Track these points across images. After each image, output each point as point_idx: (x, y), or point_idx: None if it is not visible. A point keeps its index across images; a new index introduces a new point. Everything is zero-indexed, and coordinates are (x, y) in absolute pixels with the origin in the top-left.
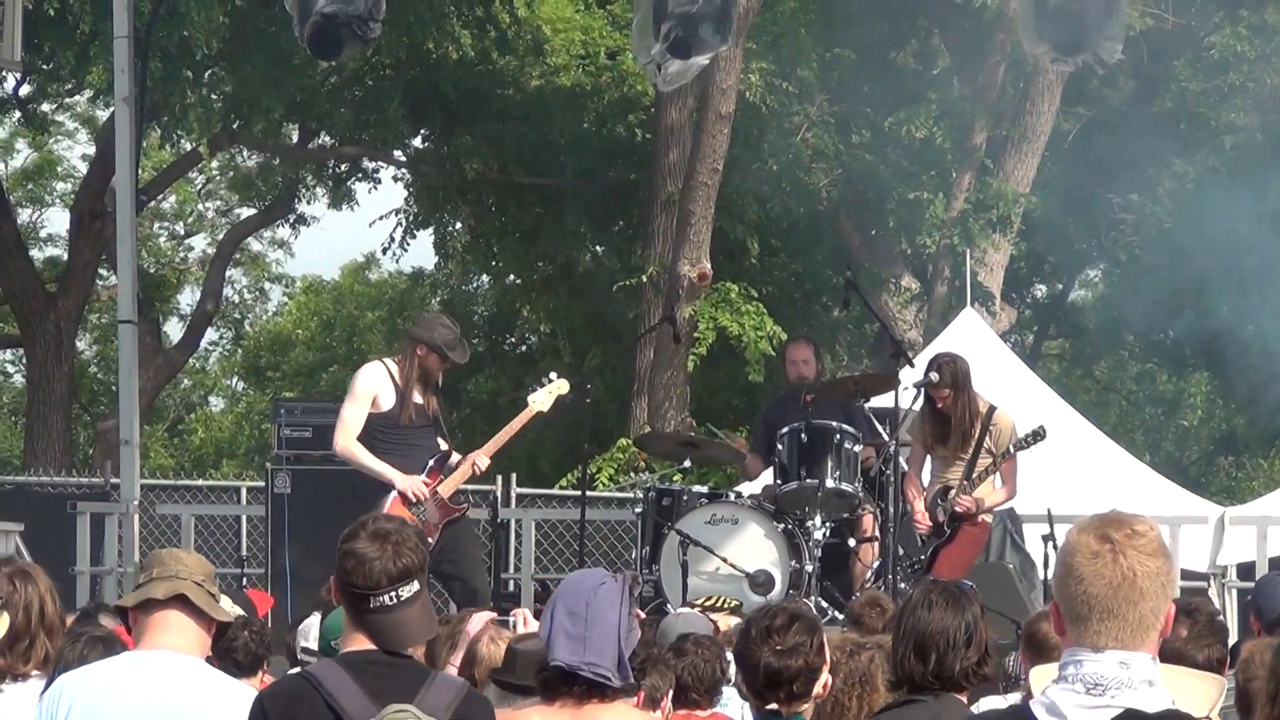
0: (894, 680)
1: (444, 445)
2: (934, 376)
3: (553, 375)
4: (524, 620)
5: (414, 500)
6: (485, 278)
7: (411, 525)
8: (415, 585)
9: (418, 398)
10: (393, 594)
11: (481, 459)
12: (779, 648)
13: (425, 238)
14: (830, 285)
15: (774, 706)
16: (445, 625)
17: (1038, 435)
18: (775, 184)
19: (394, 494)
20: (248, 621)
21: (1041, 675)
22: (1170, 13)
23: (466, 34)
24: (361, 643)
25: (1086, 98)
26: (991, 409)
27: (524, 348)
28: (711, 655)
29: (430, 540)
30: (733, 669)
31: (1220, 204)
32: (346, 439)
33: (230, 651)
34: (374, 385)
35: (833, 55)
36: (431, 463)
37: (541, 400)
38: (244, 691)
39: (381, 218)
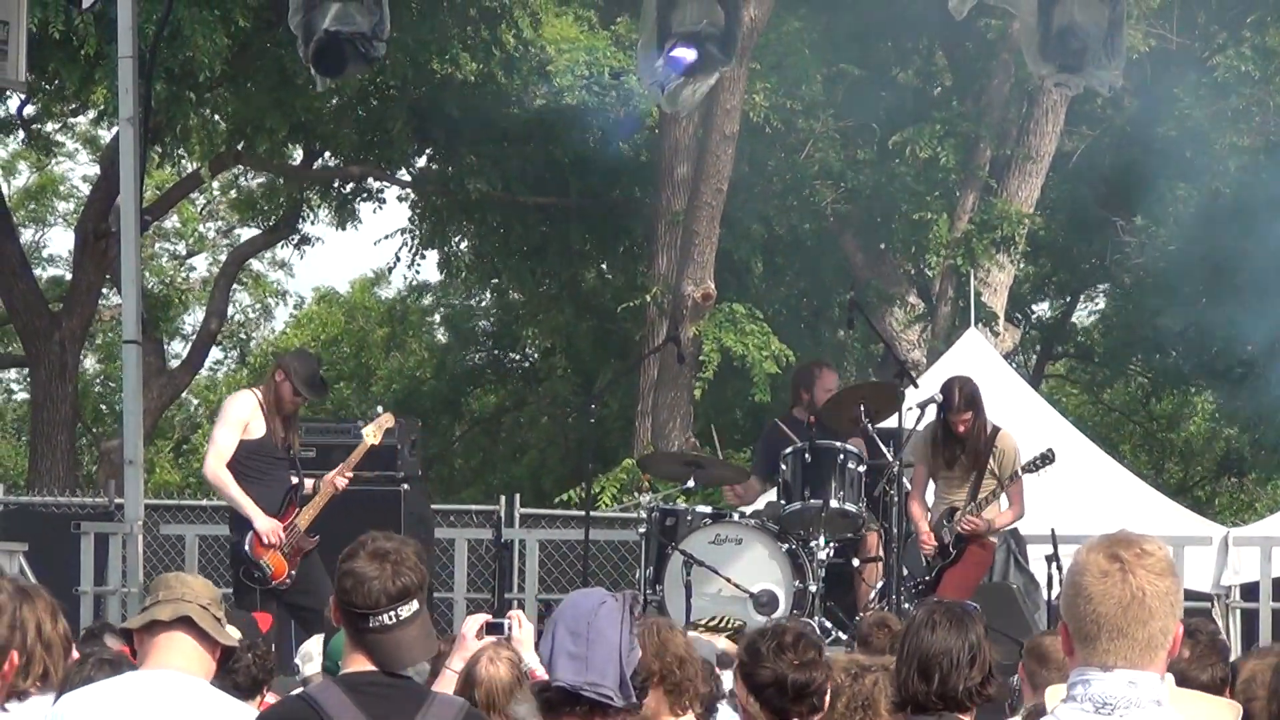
0: (898, 701)
1: (294, 479)
2: (955, 402)
3: (380, 409)
4: (519, 622)
5: (270, 543)
6: (489, 294)
7: (411, 543)
8: (415, 604)
9: (279, 428)
10: (392, 613)
11: (340, 479)
12: (800, 661)
13: (430, 255)
14: (835, 304)
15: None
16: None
17: (1046, 458)
18: (780, 202)
19: (250, 533)
20: (251, 644)
21: (1056, 695)
22: (1174, 34)
23: (468, 57)
24: (361, 663)
25: (1090, 118)
26: (995, 430)
27: (527, 364)
28: (706, 674)
29: (291, 574)
30: (726, 685)
31: (1223, 225)
32: (218, 465)
33: (231, 673)
34: (246, 413)
35: (837, 71)
36: (285, 501)
37: (371, 433)
38: (246, 713)
39: (386, 237)
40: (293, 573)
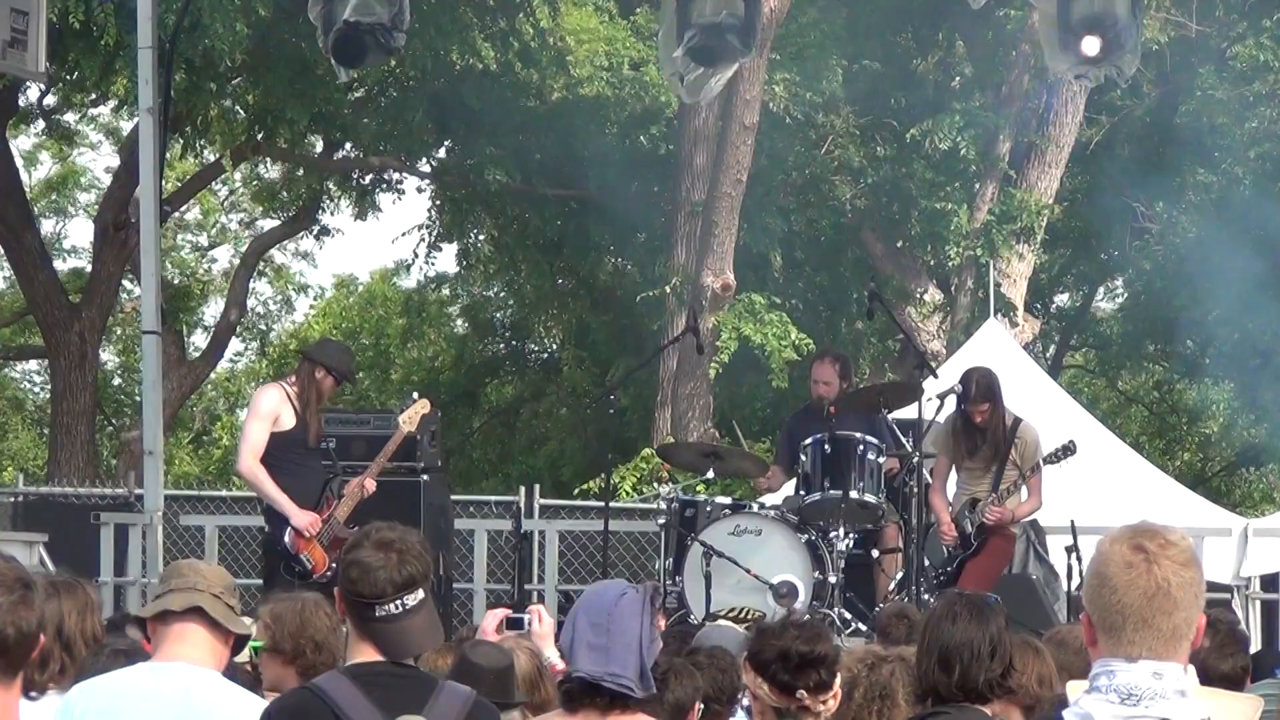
0: (919, 692)
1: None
2: (972, 392)
3: (415, 395)
4: (539, 617)
5: (309, 535)
6: (506, 286)
7: (415, 533)
8: (420, 593)
9: (314, 421)
10: (398, 602)
11: (369, 482)
12: (804, 635)
13: (448, 246)
14: (854, 299)
15: (801, 695)
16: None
17: (1068, 450)
18: (799, 197)
19: (290, 528)
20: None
21: (1077, 688)
22: (1193, 22)
23: (488, 48)
24: (368, 653)
25: (1109, 107)
26: (1017, 421)
27: (545, 354)
28: (727, 665)
29: (333, 566)
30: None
31: (1243, 213)
32: (252, 460)
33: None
34: (274, 405)
35: (860, 68)
36: (323, 492)
37: (407, 420)
38: (256, 704)
39: (404, 233)
40: (333, 565)
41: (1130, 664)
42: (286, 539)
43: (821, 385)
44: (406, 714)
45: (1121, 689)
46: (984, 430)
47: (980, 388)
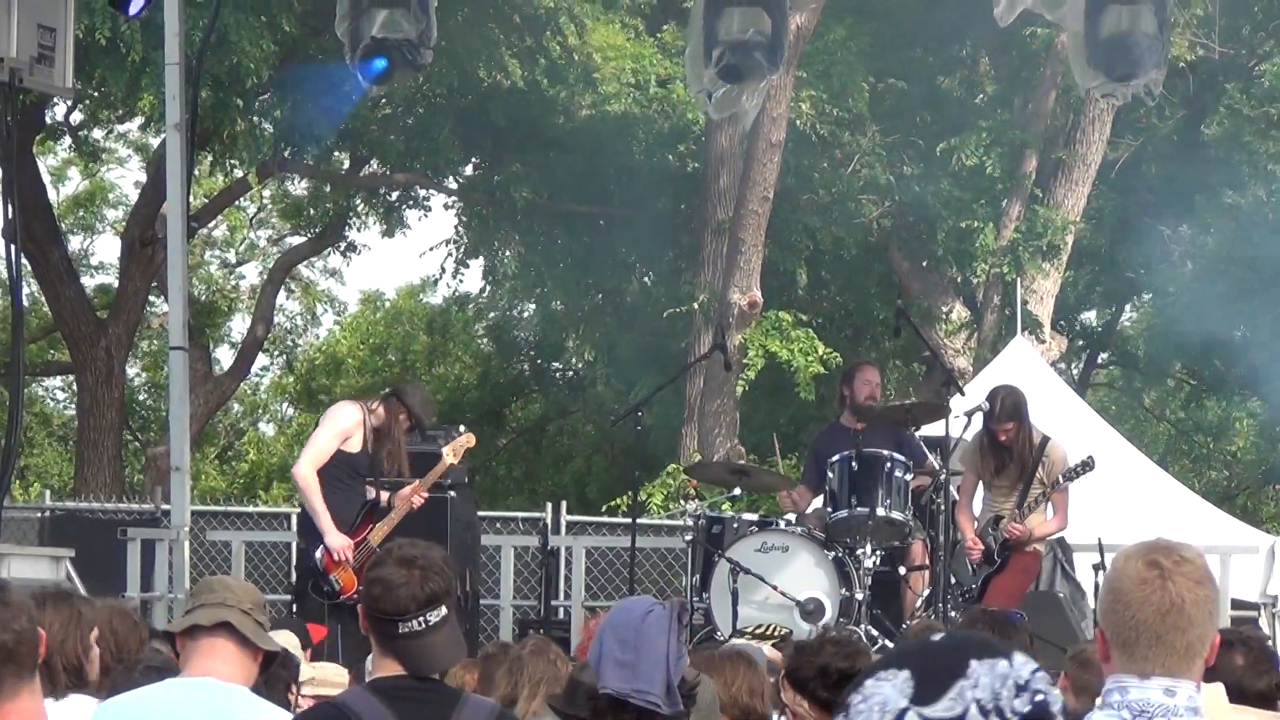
0: None
1: (371, 494)
2: (997, 410)
3: (461, 428)
4: None
5: (340, 559)
6: (532, 305)
7: (437, 549)
8: (443, 610)
9: (378, 451)
10: (421, 619)
11: (416, 498)
12: (844, 652)
13: (474, 264)
14: (879, 320)
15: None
16: (502, 652)
17: (1086, 466)
18: (825, 217)
19: (323, 546)
20: (285, 659)
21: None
22: (1217, 42)
23: (515, 64)
24: (392, 668)
25: (1135, 126)
26: (1045, 440)
27: (570, 373)
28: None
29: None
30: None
31: (1269, 233)
32: (310, 469)
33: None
34: (350, 425)
35: (886, 86)
36: (361, 515)
37: (450, 453)
38: (284, 719)
39: (431, 249)
40: (360, 589)
41: (1143, 681)
42: (318, 555)
43: (873, 386)
44: None
45: (1134, 706)
46: (1010, 448)
47: (1006, 406)
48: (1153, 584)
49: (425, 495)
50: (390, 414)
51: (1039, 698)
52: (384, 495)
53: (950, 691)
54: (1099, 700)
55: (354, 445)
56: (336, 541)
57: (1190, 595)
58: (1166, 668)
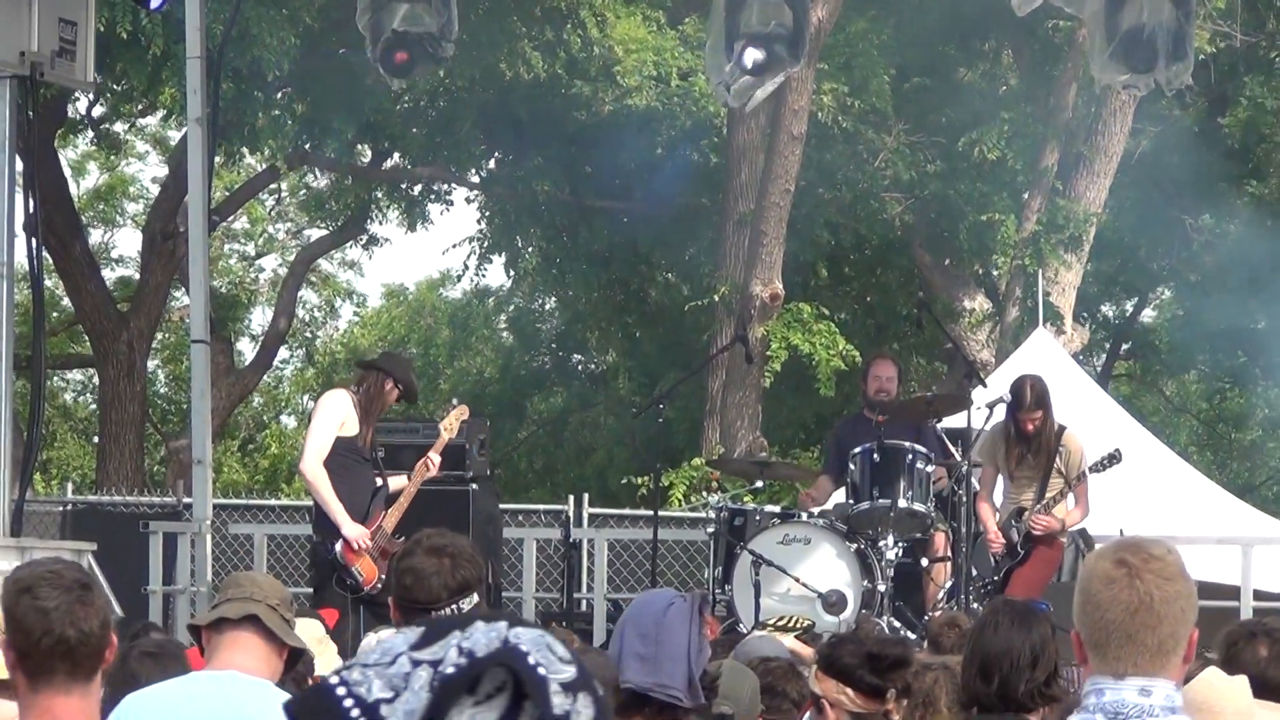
0: (964, 701)
1: (379, 480)
2: (1027, 400)
3: (454, 401)
4: None
5: (359, 549)
6: (553, 299)
7: (465, 539)
8: (475, 597)
9: (369, 430)
10: (454, 607)
11: (434, 456)
12: (888, 640)
13: (497, 259)
14: (902, 315)
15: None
16: None
17: (1114, 458)
18: (848, 213)
19: (341, 540)
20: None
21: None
22: (1239, 32)
23: (537, 57)
24: None
25: (1158, 118)
26: (1061, 429)
27: (592, 366)
28: (785, 673)
29: (381, 577)
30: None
31: None
32: (315, 463)
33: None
34: (343, 412)
35: (911, 86)
36: (372, 503)
37: (447, 426)
38: None
39: (455, 245)
40: (382, 577)
41: (1118, 681)
42: (337, 549)
43: (884, 381)
44: None
45: (1108, 708)
46: (1032, 438)
47: (1035, 394)
48: (1120, 583)
49: (436, 462)
50: (374, 387)
51: (511, 642)
52: (394, 481)
53: (444, 640)
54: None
55: (350, 429)
56: (353, 532)
57: (1159, 592)
58: (1140, 667)
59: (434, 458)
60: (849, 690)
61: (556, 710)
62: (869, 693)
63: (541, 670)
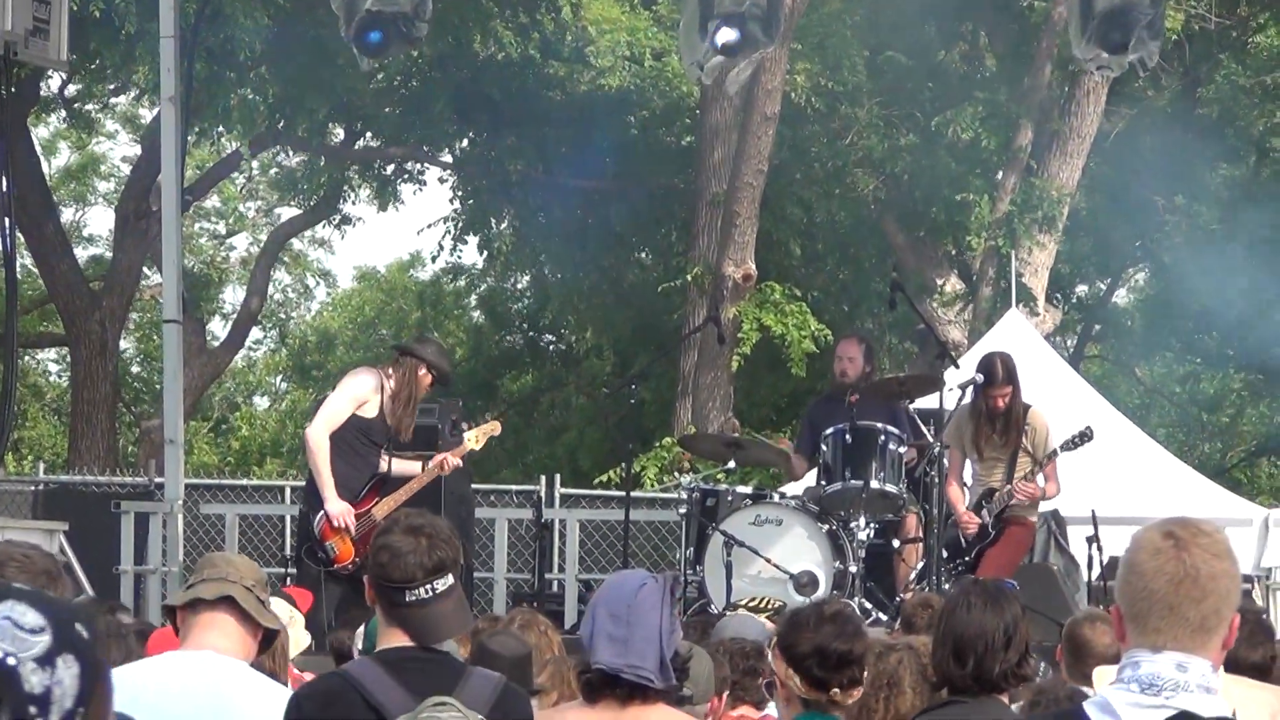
0: (935, 682)
1: (383, 466)
2: (998, 377)
3: (488, 416)
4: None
5: (338, 525)
6: (526, 278)
7: (442, 520)
8: (450, 579)
9: (404, 416)
10: (428, 587)
11: (452, 459)
12: (841, 632)
13: (471, 239)
14: (875, 293)
15: (835, 692)
16: (491, 625)
17: (1085, 436)
18: (821, 190)
19: (323, 513)
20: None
21: (1104, 676)
22: (1213, 14)
23: (510, 36)
24: (398, 639)
25: (1131, 98)
26: (1026, 407)
27: (564, 345)
28: (754, 653)
29: (357, 560)
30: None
31: (1263, 205)
32: (322, 433)
33: None
34: (365, 392)
35: (885, 60)
36: (368, 486)
37: (473, 438)
38: (283, 693)
39: (430, 225)
40: (356, 559)
41: (1155, 654)
42: (316, 521)
43: (845, 361)
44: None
45: (1143, 679)
46: (1001, 416)
47: (1005, 370)
48: (1166, 553)
49: (451, 465)
50: (407, 373)
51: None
52: (408, 466)
53: None
54: (1112, 674)
55: (370, 412)
56: (336, 508)
57: (1206, 567)
58: (1179, 641)
59: (453, 460)
60: (796, 678)
61: (35, 690)
62: (814, 684)
63: (11, 660)
